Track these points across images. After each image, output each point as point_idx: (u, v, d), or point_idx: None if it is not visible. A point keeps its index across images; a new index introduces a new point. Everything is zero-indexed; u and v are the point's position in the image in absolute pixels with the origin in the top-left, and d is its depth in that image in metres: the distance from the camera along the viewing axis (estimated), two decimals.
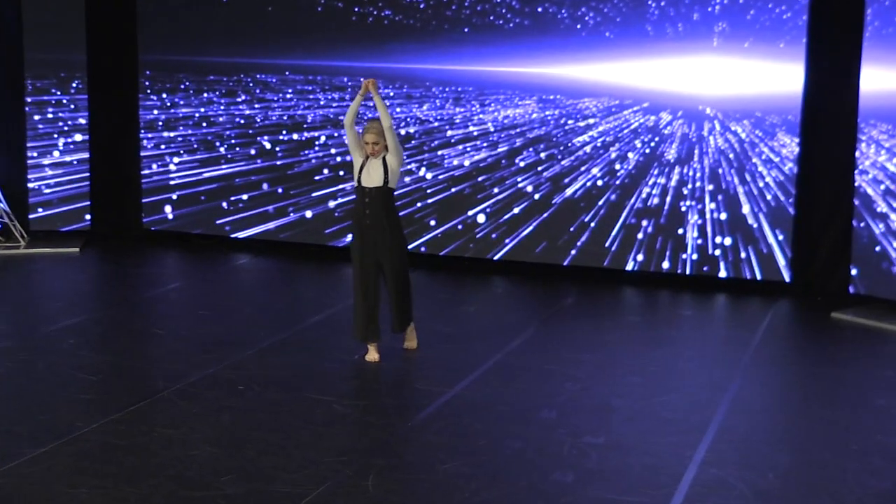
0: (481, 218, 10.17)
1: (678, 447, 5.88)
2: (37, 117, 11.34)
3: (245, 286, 9.79)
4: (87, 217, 11.42)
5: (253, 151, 11.09)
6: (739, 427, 6.20)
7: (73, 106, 11.44)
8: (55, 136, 11.44)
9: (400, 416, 6.24)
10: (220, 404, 6.37)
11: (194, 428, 5.95)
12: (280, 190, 11.00)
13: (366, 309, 7.12)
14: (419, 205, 10.50)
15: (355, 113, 7.25)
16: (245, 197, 11.12)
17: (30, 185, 11.27)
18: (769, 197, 9.26)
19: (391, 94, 10.52)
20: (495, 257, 10.20)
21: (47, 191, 11.39)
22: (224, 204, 11.18)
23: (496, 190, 10.18)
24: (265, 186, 11.03)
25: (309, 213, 10.86)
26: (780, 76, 9.05)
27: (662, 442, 5.96)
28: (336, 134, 10.78)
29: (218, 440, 5.79)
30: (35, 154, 11.34)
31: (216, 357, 7.26)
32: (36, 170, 11.33)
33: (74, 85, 11.41)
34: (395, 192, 7.35)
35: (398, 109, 10.51)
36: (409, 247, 10.14)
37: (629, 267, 9.73)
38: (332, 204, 10.80)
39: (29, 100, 11.25)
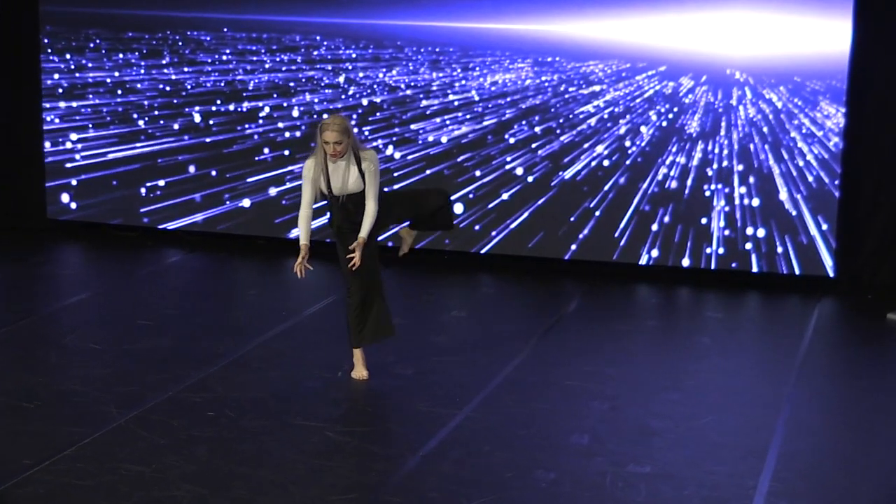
0: (458, 208, 10.33)
1: (738, 476, 6.12)
2: None
3: (185, 289, 9.83)
4: None
5: (177, 126, 11.13)
6: (804, 451, 6.47)
7: None
8: None
9: (407, 445, 6.40)
10: (189, 434, 6.46)
11: (167, 464, 6.04)
12: (214, 173, 11.05)
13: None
14: (385, 190, 10.63)
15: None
16: (164, 182, 11.14)
17: None
18: (810, 178, 9.56)
19: (353, 55, 10.65)
20: (482, 251, 10.39)
21: None
22: (142, 190, 11.20)
23: (478, 173, 10.35)
24: (192, 169, 11.07)
25: (246, 202, 10.94)
26: (823, 34, 9.33)
27: (718, 471, 6.19)
28: (285, 104, 10.87)
29: (199, 478, 5.89)
30: None
31: (172, 376, 7.34)
32: None
33: None
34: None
35: (360, 75, 10.64)
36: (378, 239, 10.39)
37: (643, 261, 9.98)
38: (273, 192, 10.88)
39: None
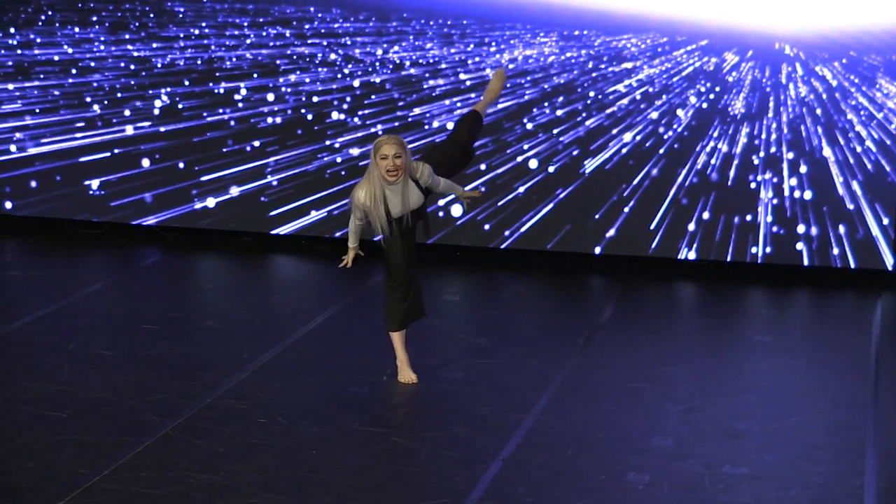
0: (455, 211, 10.88)
1: (840, 477, 6.75)
2: None
3: (178, 289, 10.31)
4: None
5: (148, 107, 11.53)
6: None
7: None
8: None
9: (483, 449, 6.94)
10: (247, 441, 6.95)
11: (235, 472, 6.53)
12: (181, 165, 11.47)
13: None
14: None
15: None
16: (118, 177, 11.53)
17: None
18: (868, 164, 10.25)
19: (350, 29, 11.15)
20: (501, 246, 10.94)
21: None
22: (94, 182, 11.58)
23: (491, 163, 10.88)
24: (141, 163, 11.48)
25: (235, 191, 11.39)
26: (881, 3, 10.01)
27: (818, 471, 6.82)
28: (270, 84, 11.32)
29: (275, 485, 6.38)
30: None
31: (203, 383, 7.81)
32: None
33: None
34: None
35: (357, 51, 11.14)
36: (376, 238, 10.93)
37: (681, 255, 10.60)
38: (254, 185, 11.35)
39: None
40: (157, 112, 11.49)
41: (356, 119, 11.16)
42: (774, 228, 10.44)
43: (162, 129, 11.50)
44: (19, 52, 11.79)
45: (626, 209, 10.69)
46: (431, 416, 7.46)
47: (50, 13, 11.74)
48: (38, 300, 9.54)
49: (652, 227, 10.64)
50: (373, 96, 11.20)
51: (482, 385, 8.00)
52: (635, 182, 10.66)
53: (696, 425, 7.44)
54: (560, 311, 9.90)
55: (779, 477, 6.74)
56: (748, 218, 10.47)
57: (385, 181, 7.57)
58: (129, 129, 11.57)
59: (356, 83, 11.16)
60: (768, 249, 10.46)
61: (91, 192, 11.61)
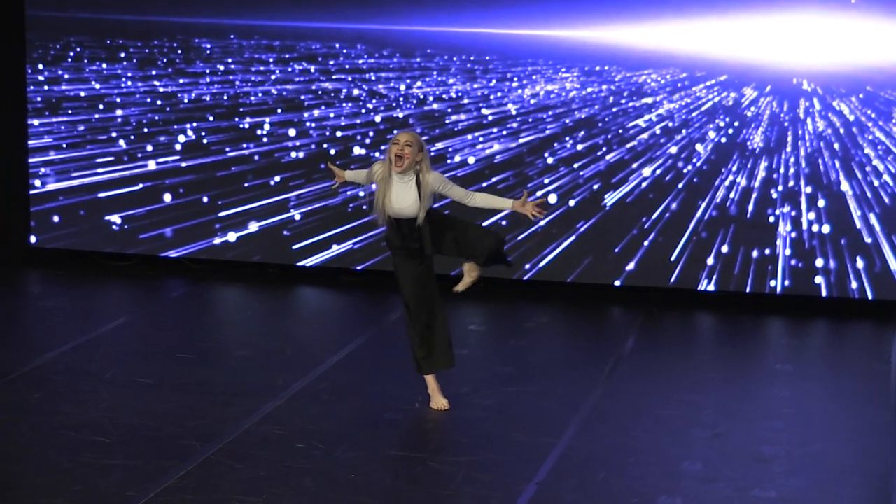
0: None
1: (870, 500, 6.93)
2: None
3: (210, 320, 10.53)
4: None
5: (172, 141, 11.74)
6: None
7: None
8: None
9: (518, 474, 7.11)
10: (287, 465, 7.12)
11: (279, 494, 6.70)
12: (205, 199, 11.67)
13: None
14: (446, 212, 11.27)
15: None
16: (145, 210, 11.76)
17: None
18: (886, 198, 10.44)
19: (375, 65, 11.35)
20: (523, 278, 11.13)
21: None
22: (120, 216, 11.81)
23: (516, 196, 11.03)
24: (164, 197, 11.69)
25: (254, 227, 11.58)
26: None
27: (847, 494, 6.99)
28: (296, 119, 11.53)
29: None
30: None
31: (239, 409, 7.99)
32: None
33: None
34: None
35: (381, 87, 11.35)
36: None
37: (701, 286, 10.78)
38: (277, 219, 11.56)
39: None
40: (179, 147, 11.69)
41: (378, 153, 11.35)
42: (793, 262, 10.62)
43: (185, 164, 11.70)
44: (46, 87, 11.99)
45: (646, 242, 10.87)
46: (465, 442, 7.62)
47: (78, 49, 11.95)
48: (72, 330, 9.73)
49: (672, 259, 10.81)
50: (395, 131, 11.38)
51: (513, 411, 8.18)
52: (655, 215, 10.84)
53: (723, 450, 7.60)
54: (583, 341, 10.09)
55: (807, 500, 6.91)
56: (767, 251, 10.65)
57: (392, 167, 7.81)
58: (152, 164, 11.76)
59: (377, 118, 11.36)
60: (787, 282, 10.63)
61: (117, 226, 11.80)
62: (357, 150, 11.42)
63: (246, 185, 11.63)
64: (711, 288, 10.76)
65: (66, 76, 11.99)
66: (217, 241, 11.64)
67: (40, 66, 12.00)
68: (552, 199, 11.01)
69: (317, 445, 7.46)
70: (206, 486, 6.79)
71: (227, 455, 7.24)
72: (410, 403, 8.24)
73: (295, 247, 11.52)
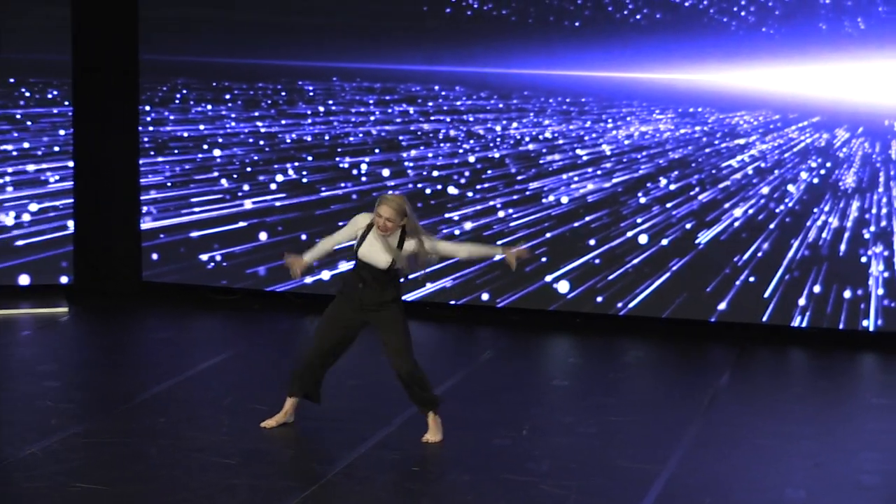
0: (565, 286, 11.38)
1: None
2: None
3: None
4: (63, 265, 12.34)
5: (269, 181, 12.12)
6: None
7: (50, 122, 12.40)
8: (28, 160, 12.36)
9: (626, 499, 7.37)
10: (405, 487, 7.44)
11: None
12: (304, 237, 12.03)
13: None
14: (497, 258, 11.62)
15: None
16: (251, 246, 12.15)
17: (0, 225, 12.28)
18: None
19: (473, 106, 11.68)
20: (620, 313, 11.40)
21: (19, 232, 12.32)
22: (224, 252, 12.25)
23: (611, 233, 11.37)
24: (260, 236, 12.07)
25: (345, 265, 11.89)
26: None
27: None
28: (395, 159, 11.89)
29: None
30: (7, 186, 12.28)
31: (354, 435, 8.32)
32: (6, 206, 12.28)
33: (52, 95, 12.36)
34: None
35: (478, 128, 11.68)
36: (501, 304, 11.43)
37: (794, 323, 11.00)
38: None
39: None
40: (275, 186, 12.08)
41: (471, 193, 11.67)
42: (886, 301, 10.81)
43: (285, 202, 12.08)
44: (151, 129, 12.42)
45: (738, 282, 11.10)
46: (573, 467, 7.88)
47: (185, 91, 12.37)
48: (187, 360, 10.13)
49: (764, 296, 11.04)
50: (489, 171, 11.72)
51: (617, 439, 8.44)
52: (747, 255, 11.08)
53: (825, 479, 7.82)
54: (680, 374, 10.35)
55: None
56: (859, 291, 10.85)
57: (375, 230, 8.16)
58: (248, 204, 12.16)
59: (471, 158, 11.69)
60: (880, 321, 10.82)
61: (223, 262, 12.20)
62: (451, 190, 11.74)
63: (340, 223, 11.92)
64: (805, 324, 10.97)
65: (172, 117, 12.41)
66: (308, 280, 11.95)
67: (147, 108, 12.43)
68: (643, 239, 11.27)
69: (431, 469, 7.77)
70: None
71: (347, 477, 7.55)
72: (517, 431, 8.52)
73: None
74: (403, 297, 11.57)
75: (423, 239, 8.18)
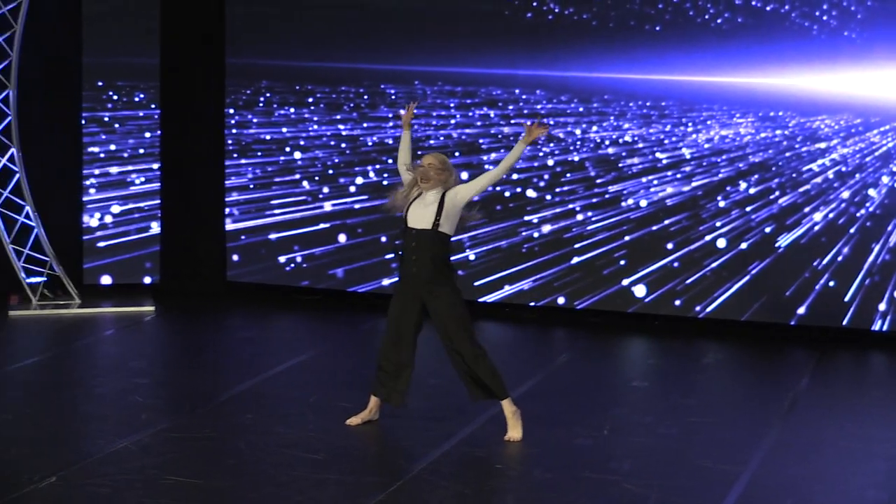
0: (641, 290, 11.45)
1: None
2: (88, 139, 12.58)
3: None
4: (147, 265, 12.61)
5: (353, 188, 12.30)
6: None
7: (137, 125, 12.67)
8: (113, 163, 12.63)
9: (710, 498, 7.44)
10: (489, 484, 7.57)
11: None
12: (384, 238, 12.19)
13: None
14: (575, 260, 11.75)
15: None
16: (333, 247, 12.36)
17: (84, 226, 12.51)
18: None
19: (554, 109, 11.80)
20: (699, 316, 11.46)
21: (103, 233, 12.59)
22: (306, 253, 12.45)
23: (690, 235, 11.43)
24: (339, 237, 12.24)
25: None
26: None
27: None
28: (475, 161, 12.02)
29: None
30: (91, 188, 12.56)
31: (438, 433, 8.45)
32: (90, 207, 12.55)
33: (139, 98, 12.62)
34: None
35: (558, 131, 11.79)
36: (580, 306, 11.51)
37: (875, 327, 11.01)
38: (471, 255, 12.02)
39: (85, 115, 12.47)
40: (354, 189, 12.24)
41: (549, 196, 11.78)
42: None
43: (364, 205, 12.25)
44: (234, 131, 12.64)
45: (818, 286, 11.13)
46: (655, 467, 7.96)
47: (268, 94, 12.58)
48: (272, 358, 10.34)
49: (845, 300, 11.06)
50: (568, 174, 11.82)
51: (698, 440, 8.52)
52: (827, 259, 11.10)
53: None
54: (760, 376, 10.42)
55: None
56: None
57: (420, 183, 8.30)
58: (328, 206, 12.34)
59: (550, 161, 11.80)
60: None
61: (303, 263, 12.40)
62: (530, 193, 11.86)
63: None
64: (885, 328, 10.99)
65: (255, 120, 12.62)
66: (385, 281, 12.12)
67: (231, 111, 12.66)
68: (721, 243, 11.33)
69: (514, 467, 7.89)
70: (417, 500, 7.24)
71: (433, 473, 7.68)
72: (599, 431, 8.62)
73: (487, 280, 12.01)
74: (483, 299, 11.85)
75: (459, 188, 8.29)
